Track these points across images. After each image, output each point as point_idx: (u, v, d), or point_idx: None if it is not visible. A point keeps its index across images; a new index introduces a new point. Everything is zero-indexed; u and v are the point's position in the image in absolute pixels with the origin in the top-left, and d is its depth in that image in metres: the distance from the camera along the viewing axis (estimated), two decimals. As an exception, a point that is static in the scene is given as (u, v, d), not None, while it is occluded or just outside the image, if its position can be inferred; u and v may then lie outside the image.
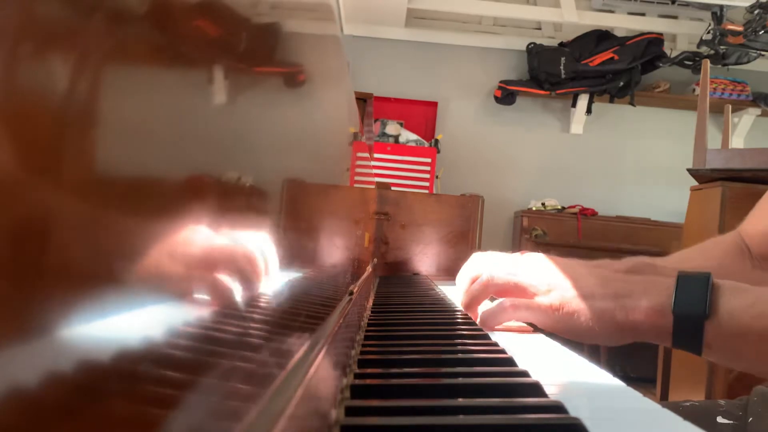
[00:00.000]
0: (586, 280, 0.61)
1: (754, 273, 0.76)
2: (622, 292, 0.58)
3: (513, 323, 0.69)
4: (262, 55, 0.27)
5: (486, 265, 0.71)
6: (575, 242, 3.12)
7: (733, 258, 0.77)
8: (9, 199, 0.09)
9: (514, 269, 0.66)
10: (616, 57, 3.33)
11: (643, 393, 0.44)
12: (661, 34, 3.36)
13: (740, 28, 2.95)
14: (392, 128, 3.34)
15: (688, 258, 0.79)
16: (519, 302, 0.63)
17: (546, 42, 3.52)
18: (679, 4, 3.41)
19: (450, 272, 1.67)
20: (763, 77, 3.56)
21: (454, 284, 1.35)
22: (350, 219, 0.73)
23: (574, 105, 3.51)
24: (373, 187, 1.47)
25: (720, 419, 0.68)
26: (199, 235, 0.18)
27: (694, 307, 0.53)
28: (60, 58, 0.10)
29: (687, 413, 0.66)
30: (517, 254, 0.73)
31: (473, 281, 0.71)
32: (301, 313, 0.34)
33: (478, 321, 0.69)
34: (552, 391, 0.40)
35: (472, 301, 0.71)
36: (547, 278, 0.63)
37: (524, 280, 0.64)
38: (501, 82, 3.52)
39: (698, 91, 2.01)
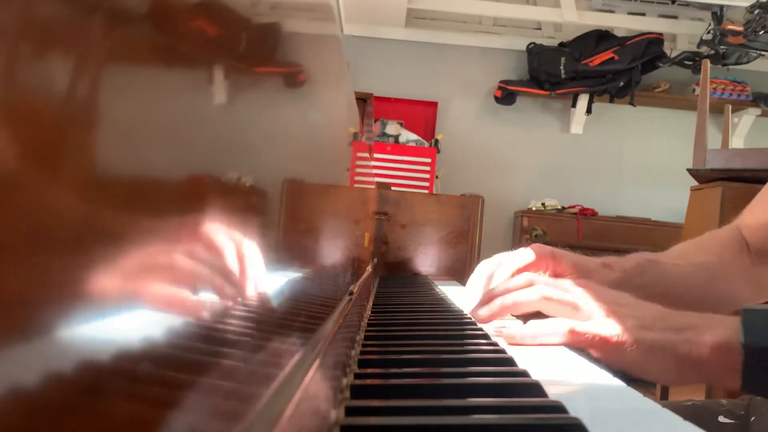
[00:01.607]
0: (644, 311, 0.56)
1: (754, 269, 0.75)
2: (683, 326, 0.53)
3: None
4: (263, 55, 0.27)
5: (535, 277, 0.65)
6: (575, 242, 3.12)
7: (732, 253, 0.76)
8: (9, 199, 0.09)
9: (570, 289, 0.61)
10: (616, 57, 3.33)
11: (643, 393, 0.44)
12: (661, 34, 3.35)
13: (740, 28, 2.95)
14: (392, 128, 3.34)
15: (688, 252, 0.78)
16: (580, 327, 0.57)
17: (546, 42, 3.52)
18: (679, 4, 3.41)
19: (450, 272, 1.67)
20: (763, 77, 3.56)
21: (455, 284, 1.34)
22: (350, 219, 0.73)
23: (574, 105, 3.51)
24: (373, 187, 1.47)
25: (722, 419, 0.68)
26: (199, 235, 0.18)
27: (765, 339, 0.49)
28: (60, 58, 0.10)
29: (688, 413, 0.66)
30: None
31: (527, 282, 0.64)
32: (301, 313, 0.34)
33: (519, 335, 0.61)
34: (551, 390, 0.40)
35: (514, 305, 0.64)
36: (604, 305, 0.57)
37: (581, 303, 0.59)
38: (501, 82, 3.52)
39: (698, 91, 2.01)
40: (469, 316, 0.72)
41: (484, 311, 0.66)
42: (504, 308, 0.64)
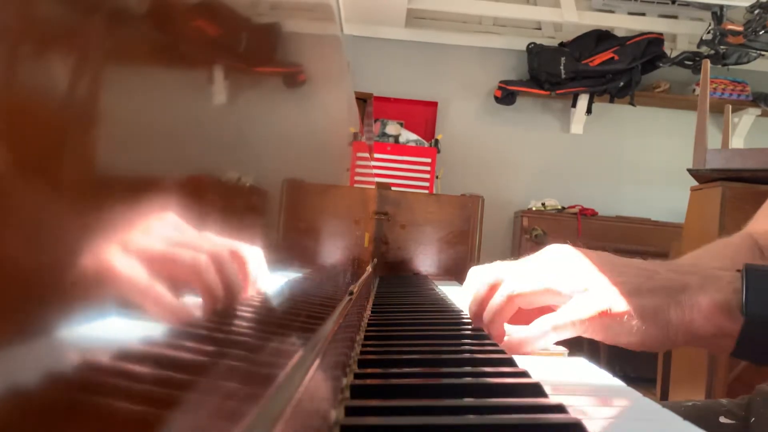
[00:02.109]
0: (628, 273, 0.51)
1: None
2: (673, 285, 0.49)
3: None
4: (263, 55, 0.27)
5: (504, 272, 0.58)
6: (575, 242, 3.12)
7: (745, 259, 0.70)
8: (9, 199, 0.09)
9: (539, 271, 0.55)
10: (616, 57, 3.33)
11: (643, 393, 0.44)
12: (661, 34, 3.35)
13: (740, 28, 2.95)
14: (392, 128, 3.34)
15: (699, 260, 0.72)
16: (560, 320, 0.52)
17: (546, 42, 3.52)
18: (679, 4, 3.41)
19: (450, 272, 1.67)
20: (763, 77, 3.56)
21: (455, 284, 1.35)
22: (350, 219, 0.73)
23: (574, 105, 3.51)
24: (373, 187, 1.47)
25: (722, 419, 0.67)
26: (199, 234, 0.18)
27: None
28: (60, 58, 0.10)
29: (688, 413, 0.66)
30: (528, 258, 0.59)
31: (491, 288, 0.58)
32: (301, 313, 0.34)
33: (505, 342, 0.56)
34: (551, 391, 0.40)
35: (495, 317, 0.57)
36: (581, 276, 0.52)
37: (555, 283, 0.53)
38: (501, 82, 3.52)
39: (698, 91, 2.01)
40: (468, 316, 0.72)
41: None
42: (491, 325, 0.58)
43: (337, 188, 0.57)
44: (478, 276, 0.62)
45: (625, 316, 0.49)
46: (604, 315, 0.50)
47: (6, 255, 0.09)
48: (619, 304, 0.49)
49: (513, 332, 0.57)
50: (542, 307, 0.57)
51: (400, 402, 0.37)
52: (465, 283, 0.70)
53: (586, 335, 0.51)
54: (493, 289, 0.58)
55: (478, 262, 1.73)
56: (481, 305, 0.59)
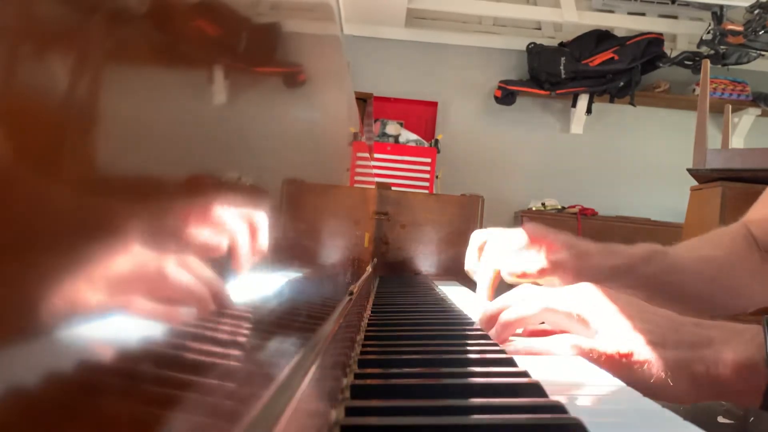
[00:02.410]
0: (655, 323, 0.51)
1: (764, 267, 0.72)
2: (698, 341, 0.49)
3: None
4: (262, 55, 0.27)
5: (537, 292, 0.60)
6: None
7: (741, 249, 0.72)
8: (9, 199, 0.09)
9: (574, 299, 0.56)
10: (616, 57, 3.33)
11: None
12: (661, 34, 3.36)
13: (740, 28, 2.95)
14: (392, 128, 3.34)
15: (696, 247, 0.75)
16: (583, 344, 0.53)
17: (546, 42, 3.52)
18: (679, 4, 3.41)
19: (450, 272, 1.67)
20: (763, 77, 3.56)
21: (455, 284, 1.34)
22: (350, 219, 0.73)
23: (574, 105, 3.51)
24: (373, 187, 1.47)
25: (721, 419, 0.67)
26: (199, 234, 0.18)
27: None
28: (60, 58, 0.10)
29: (688, 413, 0.66)
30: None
31: (523, 299, 0.59)
32: (301, 313, 0.34)
33: (512, 350, 0.56)
34: (551, 390, 0.40)
35: (515, 322, 0.58)
36: (611, 317, 0.53)
37: (587, 314, 0.54)
38: (501, 82, 3.52)
39: (698, 91, 2.01)
40: (469, 316, 0.72)
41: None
42: (508, 325, 0.59)
43: (337, 188, 0.57)
44: (477, 240, 0.66)
45: (646, 365, 0.49)
46: (625, 357, 0.50)
47: (6, 255, 0.09)
48: (641, 351, 0.50)
49: (531, 342, 0.57)
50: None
51: (400, 402, 0.37)
52: (468, 248, 0.73)
53: (605, 369, 0.51)
54: (524, 300, 0.59)
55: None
56: (503, 310, 0.60)
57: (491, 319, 0.61)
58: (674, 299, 0.55)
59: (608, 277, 0.68)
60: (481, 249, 0.74)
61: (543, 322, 0.60)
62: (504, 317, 0.59)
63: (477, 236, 0.76)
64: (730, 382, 0.47)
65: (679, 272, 0.69)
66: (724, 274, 0.71)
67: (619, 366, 0.50)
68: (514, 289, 0.62)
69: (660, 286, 0.65)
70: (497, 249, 0.73)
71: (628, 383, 0.49)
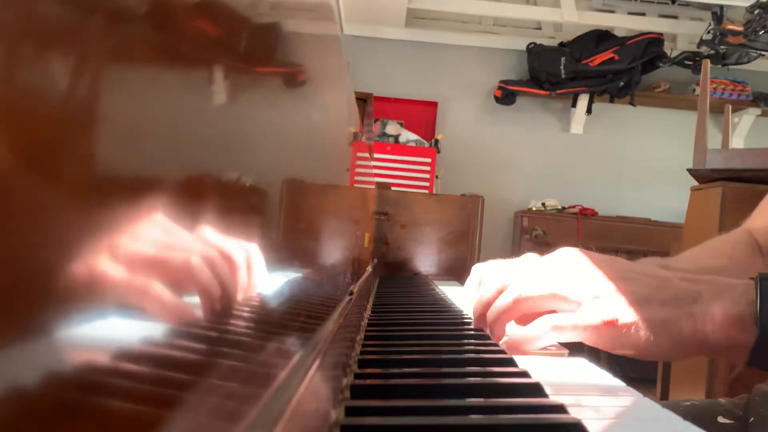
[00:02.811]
0: (639, 282, 0.50)
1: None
2: (685, 296, 0.48)
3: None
4: (263, 55, 0.27)
5: (510, 274, 0.58)
6: (575, 242, 3.12)
7: (744, 255, 0.70)
8: (9, 199, 0.09)
9: (547, 276, 0.54)
10: (616, 57, 3.33)
11: (643, 393, 0.44)
12: (661, 34, 3.35)
13: (740, 28, 2.95)
14: (392, 128, 3.34)
15: (698, 257, 0.72)
16: (563, 322, 0.51)
17: (546, 42, 3.52)
18: (679, 4, 3.40)
19: (450, 272, 1.67)
20: (763, 77, 3.56)
21: (455, 284, 1.34)
22: (350, 219, 0.73)
23: (574, 105, 3.51)
24: (373, 187, 1.46)
25: (721, 419, 0.66)
26: (199, 234, 0.18)
27: None
28: (60, 58, 0.10)
29: (687, 412, 0.65)
30: (532, 256, 0.60)
31: (498, 292, 0.58)
32: (302, 313, 0.34)
33: (503, 343, 0.56)
34: (551, 391, 0.40)
35: (500, 318, 0.57)
36: (590, 283, 0.51)
37: (563, 289, 0.52)
38: (501, 82, 3.52)
39: (698, 91, 2.01)
40: (469, 316, 0.72)
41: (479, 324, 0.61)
42: (493, 326, 0.57)
43: (337, 188, 0.57)
44: (485, 276, 0.62)
45: (633, 327, 0.48)
46: (610, 324, 0.49)
47: (5, 255, 0.09)
48: (627, 314, 0.48)
49: (513, 331, 0.56)
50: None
51: (400, 402, 0.37)
52: (468, 280, 0.71)
53: (588, 342, 0.51)
54: (499, 292, 0.58)
55: (478, 261, 1.73)
56: (485, 307, 0.59)
57: (480, 320, 0.60)
58: None
59: None
60: (500, 292, 0.71)
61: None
62: (491, 320, 0.57)
63: (477, 270, 0.73)
64: (718, 339, 0.46)
65: None
66: None
67: (606, 335, 0.49)
68: (486, 284, 0.61)
69: None
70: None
71: (615, 349, 0.49)
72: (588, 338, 0.50)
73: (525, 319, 0.57)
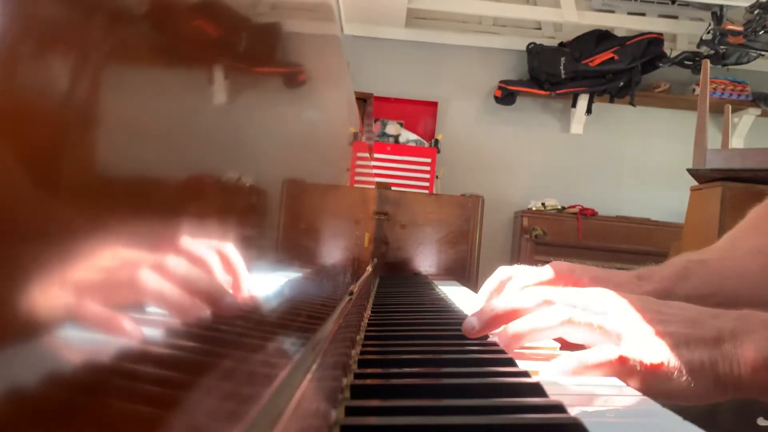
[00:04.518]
0: (673, 323, 0.48)
1: None
2: (718, 335, 0.46)
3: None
4: (262, 55, 0.27)
5: (558, 296, 0.55)
6: (575, 242, 3.12)
7: None
8: (9, 199, 0.09)
9: (594, 308, 0.52)
10: (616, 57, 3.33)
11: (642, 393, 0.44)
12: (661, 34, 3.36)
13: (740, 28, 2.95)
14: (392, 128, 3.34)
15: (737, 240, 0.68)
16: (629, 355, 0.48)
17: (546, 42, 3.52)
18: (679, 4, 3.41)
19: (450, 272, 1.67)
20: (763, 77, 3.56)
21: (455, 284, 1.34)
22: (350, 219, 0.73)
23: (574, 105, 3.51)
24: (373, 187, 1.46)
25: (761, 421, 0.62)
26: (199, 234, 0.18)
27: None
28: (60, 58, 0.10)
29: (723, 413, 0.62)
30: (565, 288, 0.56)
31: (540, 304, 0.55)
32: (302, 313, 0.34)
33: (562, 371, 0.50)
34: (551, 390, 0.40)
35: (536, 335, 0.54)
36: (633, 323, 0.50)
37: (611, 325, 0.50)
38: (501, 82, 3.52)
39: (698, 91, 2.01)
40: (469, 316, 0.72)
41: (473, 323, 0.56)
42: (520, 338, 0.54)
43: (337, 188, 0.57)
44: (518, 282, 0.59)
45: (675, 372, 0.46)
46: (656, 368, 0.47)
47: (5, 254, 0.09)
48: (672, 358, 0.47)
49: (574, 354, 0.51)
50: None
51: (400, 402, 0.37)
52: (490, 278, 0.70)
53: (635, 383, 0.48)
54: (542, 303, 0.55)
55: (478, 262, 1.73)
56: (516, 314, 0.56)
57: (497, 319, 0.57)
58: (729, 306, 0.50)
59: None
60: (503, 283, 0.69)
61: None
62: (516, 328, 0.54)
63: (502, 271, 0.70)
64: (753, 382, 0.45)
65: (726, 278, 0.63)
66: None
67: (657, 376, 0.47)
68: (528, 291, 0.58)
69: (707, 298, 0.59)
70: (522, 284, 0.68)
71: (661, 394, 0.47)
72: (639, 376, 0.48)
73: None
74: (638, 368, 0.47)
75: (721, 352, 0.46)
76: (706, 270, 0.64)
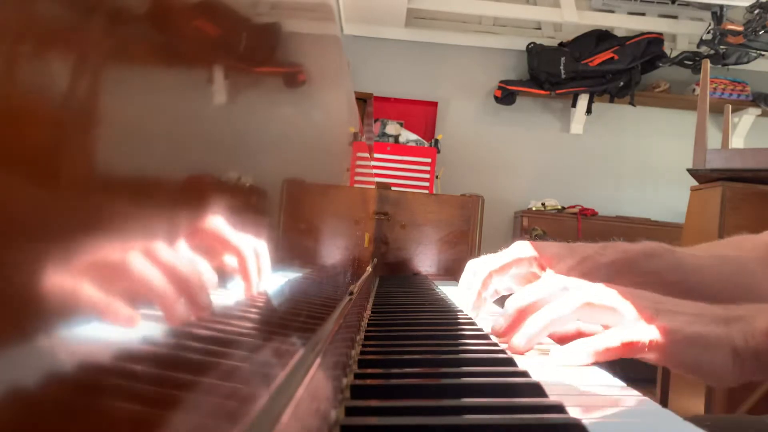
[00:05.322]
0: (684, 305, 0.50)
1: None
2: (728, 317, 0.48)
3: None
4: (262, 55, 0.27)
5: (569, 281, 0.56)
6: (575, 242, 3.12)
7: (766, 255, 0.67)
8: (9, 199, 0.09)
9: (607, 289, 0.53)
10: (616, 57, 3.33)
11: (643, 393, 0.44)
12: (661, 34, 3.36)
13: (740, 28, 2.95)
14: (392, 128, 3.34)
15: (713, 247, 0.71)
16: (633, 338, 0.49)
17: (546, 42, 3.52)
18: (679, 4, 3.41)
19: (450, 272, 1.67)
20: (763, 77, 3.56)
21: (455, 284, 1.34)
22: (350, 219, 0.73)
23: (574, 105, 3.51)
24: (373, 187, 1.47)
25: None
26: (199, 235, 0.18)
27: None
28: (60, 58, 0.10)
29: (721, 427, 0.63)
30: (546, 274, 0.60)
31: (561, 290, 0.55)
32: (302, 313, 0.34)
33: (563, 357, 0.52)
34: (551, 391, 0.40)
35: (555, 323, 0.54)
36: (648, 305, 0.51)
37: (621, 304, 0.51)
38: (501, 82, 3.52)
39: (698, 91, 2.01)
40: (468, 316, 0.72)
41: (520, 340, 0.55)
42: (544, 328, 0.54)
43: (337, 188, 0.57)
44: (546, 282, 0.59)
45: (695, 341, 0.48)
46: (671, 341, 0.48)
47: (5, 254, 0.09)
48: (690, 329, 0.48)
49: (575, 342, 0.52)
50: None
51: (400, 402, 0.37)
52: (463, 276, 0.71)
53: (652, 357, 0.49)
54: (560, 290, 0.55)
55: (478, 262, 1.73)
56: (539, 304, 0.56)
57: (522, 313, 0.56)
58: (681, 295, 0.52)
59: (608, 275, 0.63)
60: (478, 275, 0.70)
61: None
62: (539, 318, 0.54)
63: (472, 264, 0.73)
64: (766, 353, 0.46)
65: (691, 271, 0.65)
66: (744, 273, 0.66)
67: (668, 348, 0.48)
68: (545, 281, 0.58)
69: (670, 285, 0.61)
70: (492, 266, 0.69)
71: (677, 366, 0.48)
72: (651, 352, 0.49)
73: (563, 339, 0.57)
74: (649, 345, 0.48)
75: (735, 328, 0.47)
76: (672, 257, 0.66)
